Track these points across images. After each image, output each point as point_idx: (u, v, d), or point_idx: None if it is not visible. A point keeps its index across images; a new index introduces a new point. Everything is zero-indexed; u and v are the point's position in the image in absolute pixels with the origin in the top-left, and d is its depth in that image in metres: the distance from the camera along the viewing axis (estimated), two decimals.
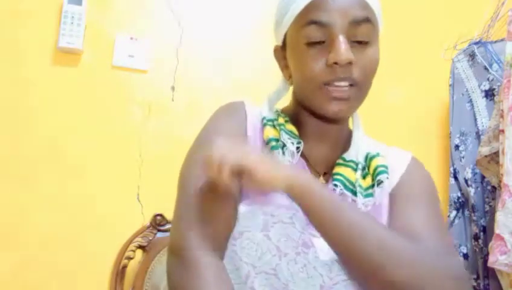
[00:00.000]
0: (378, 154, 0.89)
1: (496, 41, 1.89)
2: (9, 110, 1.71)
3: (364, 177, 0.87)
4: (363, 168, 0.88)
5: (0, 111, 1.71)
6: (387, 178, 0.85)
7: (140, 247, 1.64)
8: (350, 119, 0.96)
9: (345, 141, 0.93)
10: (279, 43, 0.91)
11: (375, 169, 0.86)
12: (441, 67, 2.05)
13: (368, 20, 0.80)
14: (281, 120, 0.89)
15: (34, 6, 1.77)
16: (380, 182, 0.85)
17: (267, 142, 0.86)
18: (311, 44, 0.80)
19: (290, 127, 0.88)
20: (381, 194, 0.87)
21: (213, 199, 0.78)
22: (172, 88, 1.86)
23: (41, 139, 1.72)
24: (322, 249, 0.77)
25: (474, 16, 1.95)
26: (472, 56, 1.94)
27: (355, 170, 0.87)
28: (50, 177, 1.70)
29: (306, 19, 0.80)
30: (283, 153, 0.84)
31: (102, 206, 1.72)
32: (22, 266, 1.64)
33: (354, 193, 0.85)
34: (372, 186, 0.85)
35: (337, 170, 0.86)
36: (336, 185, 0.84)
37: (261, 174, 0.72)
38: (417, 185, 0.90)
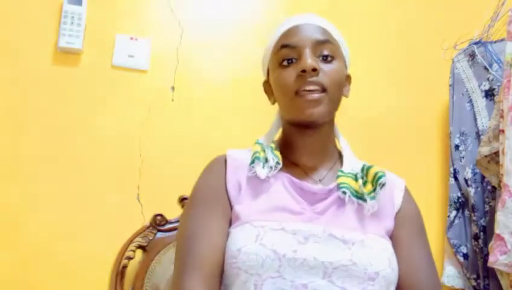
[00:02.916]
0: (373, 166, 1.00)
1: (496, 41, 1.89)
2: (9, 110, 1.71)
3: (364, 184, 0.97)
4: (362, 177, 0.98)
5: (0, 111, 1.71)
6: (387, 180, 0.97)
7: (140, 247, 1.64)
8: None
9: (333, 155, 1.06)
10: (265, 77, 1.08)
11: (374, 175, 0.97)
12: (441, 67, 2.05)
13: (329, 42, 0.99)
14: (272, 145, 1.02)
15: (34, 6, 1.77)
16: (382, 185, 0.95)
17: (253, 154, 0.98)
18: (285, 64, 0.97)
19: (277, 152, 1.00)
20: (383, 197, 0.98)
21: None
22: (172, 88, 1.86)
23: (41, 139, 1.72)
24: (319, 241, 0.87)
25: (474, 16, 1.95)
26: (472, 56, 1.94)
27: (356, 179, 0.97)
28: (50, 177, 1.71)
29: (279, 44, 1.00)
30: (263, 166, 0.96)
31: (102, 206, 1.72)
32: (22, 266, 1.64)
33: (359, 199, 0.95)
34: (373, 190, 0.96)
35: (340, 180, 0.97)
36: (344, 193, 0.95)
37: None
38: (418, 220, 1.04)
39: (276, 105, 1.07)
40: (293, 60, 0.97)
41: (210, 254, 0.89)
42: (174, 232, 1.60)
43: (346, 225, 0.92)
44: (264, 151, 0.99)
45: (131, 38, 1.83)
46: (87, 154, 1.74)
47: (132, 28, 1.85)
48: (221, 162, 1.02)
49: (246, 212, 0.92)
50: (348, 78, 1.07)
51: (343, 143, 1.07)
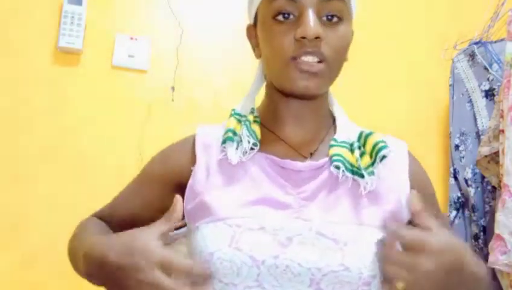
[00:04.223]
0: (372, 133, 0.84)
1: (496, 41, 1.89)
2: (9, 110, 1.71)
3: (361, 156, 0.82)
4: (359, 148, 0.83)
5: (0, 111, 1.71)
6: (390, 151, 0.81)
7: None
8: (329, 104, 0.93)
9: (326, 123, 0.90)
10: (251, 21, 0.91)
11: (374, 145, 0.81)
12: (441, 67, 2.05)
13: None
14: (250, 117, 0.86)
15: (34, 6, 1.77)
16: (382, 158, 0.80)
17: (224, 132, 0.83)
18: (281, 19, 0.79)
19: (255, 127, 0.85)
20: (383, 171, 0.81)
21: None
22: (172, 88, 1.86)
23: (41, 139, 1.72)
24: (306, 242, 0.74)
25: (474, 16, 1.95)
26: (472, 56, 1.94)
27: (352, 150, 0.82)
28: (50, 177, 1.71)
29: None
30: (237, 148, 0.81)
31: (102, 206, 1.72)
32: (22, 265, 1.64)
33: (355, 174, 0.80)
34: (372, 164, 0.80)
35: (334, 150, 0.81)
36: (337, 167, 0.79)
37: None
38: (431, 188, 0.92)
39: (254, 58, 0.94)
40: (291, 16, 0.79)
41: (124, 215, 0.95)
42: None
43: (340, 214, 0.77)
44: (240, 125, 0.84)
45: (131, 38, 1.83)
46: (87, 154, 1.74)
47: (132, 27, 1.85)
48: (189, 141, 0.90)
49: (219, 205, 0.77)
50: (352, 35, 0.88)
51: (336, 108, 0.91)
